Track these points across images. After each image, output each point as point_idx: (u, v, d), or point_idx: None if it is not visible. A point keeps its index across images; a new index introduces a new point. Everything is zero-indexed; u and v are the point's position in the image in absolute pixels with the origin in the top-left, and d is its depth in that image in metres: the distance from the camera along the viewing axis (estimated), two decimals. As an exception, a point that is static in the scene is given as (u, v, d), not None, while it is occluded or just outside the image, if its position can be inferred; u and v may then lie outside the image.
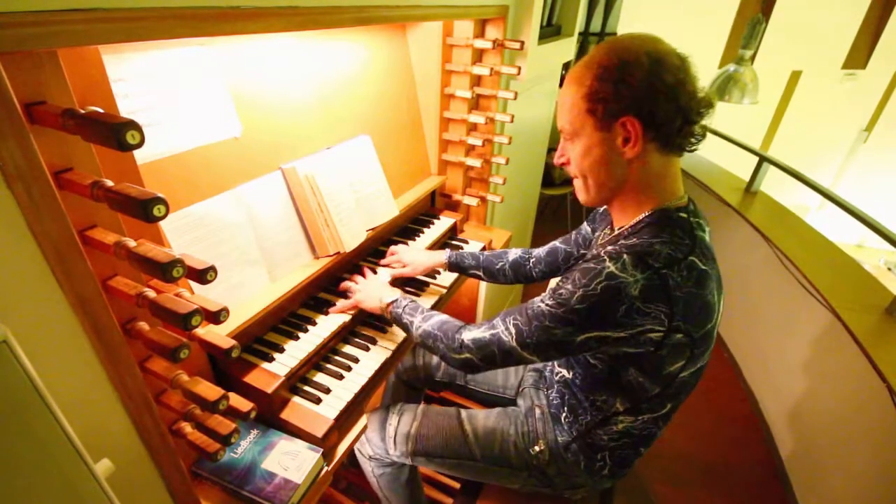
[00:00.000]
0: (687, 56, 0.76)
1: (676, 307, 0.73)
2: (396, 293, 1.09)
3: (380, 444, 1.18)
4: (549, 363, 1.14)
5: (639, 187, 0.81)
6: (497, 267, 1.28)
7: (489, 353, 0.87)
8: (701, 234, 0.80)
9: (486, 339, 0.87)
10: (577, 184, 0.88)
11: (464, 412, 1.15)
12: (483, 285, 1.95)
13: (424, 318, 0.99)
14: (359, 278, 1.21)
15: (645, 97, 0.73)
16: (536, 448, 1.04)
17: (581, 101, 0.78)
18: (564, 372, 1.01)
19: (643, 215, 0.81)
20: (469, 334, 0.90)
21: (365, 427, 1.06)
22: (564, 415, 1.01)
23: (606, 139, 0.78)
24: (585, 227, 1.19)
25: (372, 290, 1.12)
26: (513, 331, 0.84)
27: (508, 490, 1.14)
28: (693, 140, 0.78)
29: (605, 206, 1.05)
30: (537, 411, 1.07)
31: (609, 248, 0.78)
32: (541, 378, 1.17)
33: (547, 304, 0.80)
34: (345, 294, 1.18)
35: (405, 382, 1.44)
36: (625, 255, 0.74)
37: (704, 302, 0.77)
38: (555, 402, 1.04)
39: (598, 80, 0.75)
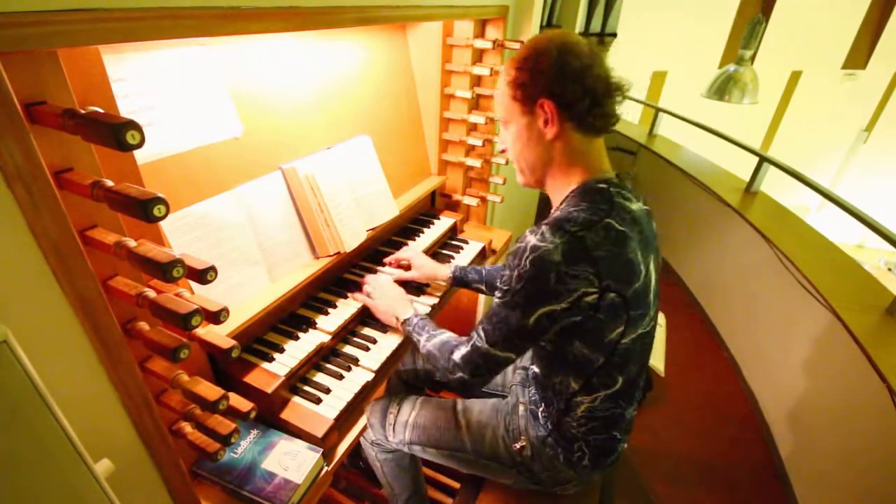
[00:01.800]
0: (596, 47, 0.86)
1: (602, 266, 0.79)
2: (410, 310, 1.14)
3: (380, 430, 1.22)
4: (530, 361, 1.15)
5: (564, 165, 0.89)
6: (498, 281, 1.29)
7: (474, 364, 0.93)
8: (621, 201, 0.87)
9: (468, 352, 0.93)
10: (515, 168, 0.97)
11: (460, 404, 1.17)
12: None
13: (429, 337, 1.05)
14: (375, 281, 1.23)
15: (554, 79, 0.82)
16: (517, 445, 1.06)
17: (507, 88, 0.88)
18: (533, 367, 1.05)
19: (569, 190, 0.89)
20: (458, 353, 0.96)
21: (365, 427, 1.06)
22: (541, 409, 1.03)
23: (530, 122, 0.88)
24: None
25: (389, 300, 1.18)
26: (483, 335, 0.90)
27: (508, 490, 1.14)
28: (607, 121, 0.86)
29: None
30: (521, 408, 1.09)
31: (533, 226, 0.85)
32: (526, 376, 1.18)
33: (497, 297, 0.87)
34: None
35: (405, 382, 1.45)
36: (543, 227, 0.81)
37: (627, 260, 0.83)
38: (533, 398, 1.07)
39: (517, 70, 0.86)
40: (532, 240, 0.81)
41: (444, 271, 1.32)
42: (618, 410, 0.97)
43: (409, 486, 1.34)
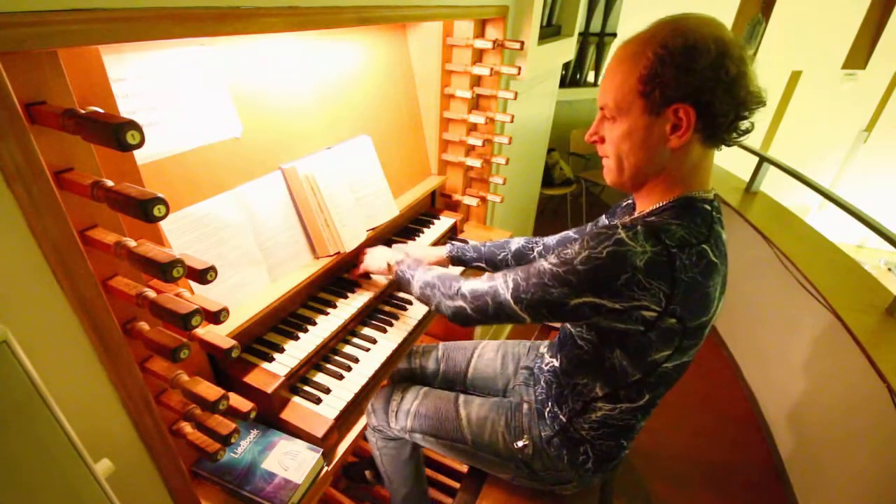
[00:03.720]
0: (747, 49, 0.71)
1: (677, 289, 0.72)
2: (403, 255, 1.13)
3: (383, 416, 1.22)
4: (539, 359, 1.15)
5: (672, 176, 0.79)
6: (500, 257, 1.29)
7: (482, 303, 0.87)
8: (719, 228, 0.79)
9: (482, 289, 0.88)
10: (608, 163, 0.84)
11: (462, 397, 1.18)
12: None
13: (425, 270, 1.02)
14: (367, 248, 1.25)
15: (707, 87, 0.69)
16: (520, 443, 1.05)
17: (635, 81, 0.73)
18: (554, 361, 1.03)
19: (666, 201, 0.80)
20: (468, 284, 0.91)
21: (366, 426, 1.06)
22: (549, 409, 1.02)
23: (653, 124, 0.74)
24: (604, 220, 1.19)
25: (380, 254, 1.18)
26: (510, 284, 0.84)
27: (509, 489, 1.14)
28: (737, 135, 0.76)
29: (627, 202, 1.04)
30: (525, 406, 1.09)
31: (626, 219, 0.77)
32: (531, 376, 1.18)
33: (550, 263, 0.79)
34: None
35: (405, 379, 1.45)
36: (639, 227, 0.73)
37: (705, 293, 0.75)
38: (540, 396, 1.06)
39: (660, 62, 0.70)
40: (622, 234, 0.72)
41: (439, 253, 1.32)
42: (633, 422, 0.95)
43: (408, 480, 1.34)
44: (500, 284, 0.86)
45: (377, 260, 1.16)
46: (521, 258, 1.29)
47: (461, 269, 1.38)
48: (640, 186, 0.84)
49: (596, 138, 0.84)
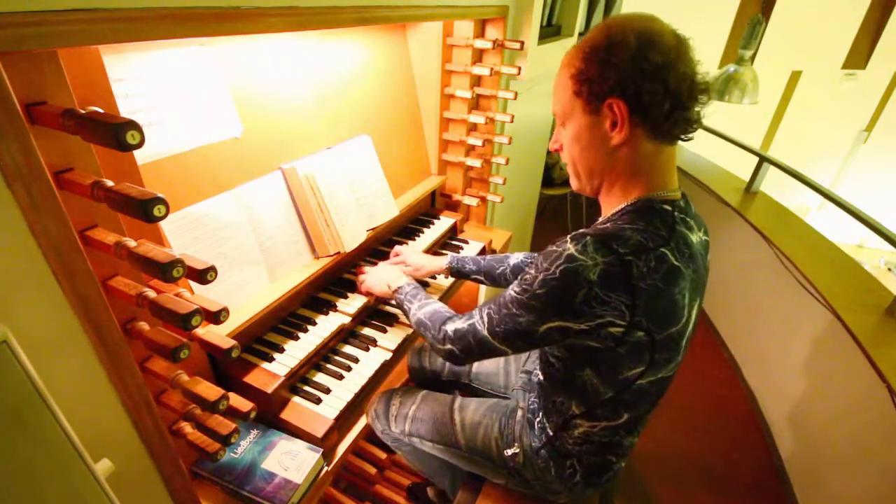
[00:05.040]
0: (686, 38, 0.72)
1: (639, 299, 0.69)
2: (403, 280, 1.12)
3: (384, 420, 1.22)
4: (535, 366, 1.14)
5: (626, 175, 0.78)
6: (498, 271, 1.28)
7: (466, 343, 0.87)
8: (683, 230, 0.76)
9: (464, 329, 0.88)
10: (569, 170, 0.86)
11: (457, 401, 1.17)
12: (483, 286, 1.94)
13: (420, 305, 1.01)
14: (368, 267, 1.25)
15: (630, 77, 0.69)
16: (510, 451, 1.04)
17: (569, 81, 0.76)
18: (540, 374, 1.01)
19: (625, 204, 0.78)
20: (452, 325, 0.91)
21: (365, 427, 1.06)
22: (539, 419, 1.00)
23: (594, 123, 0.75)
24: None
25: (381, 275, 1.17)
26: (485, 319, 0.83)
27: (507, 493, 1.14)
28: (687, 128, 0.74)
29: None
30: (519, 413, 1.07)
31: (579, 231, 0.76)
32: (528, 381, 1.17)
33: (514, 291, 0.78)
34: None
35: (418, 384, 1.45)
36: (588, 237, 0.71)
37: (671, 300, 0.72)
38: (532, 406, 1.04)
39: (585, 61, 0.73)
40: (571, 248, 0.71)
41: (439, 263, 1.30)
42: (616, 439, 0.92)
43: (443, 466, 1.31)
44: (478, 321, 0.85)
45: (379, 280, 1.16)
46: (520, 273, 1.28)
47: (453, 280, 1.37)
48: (599, 189, 0.83)
49: (557, 146, 0.85)
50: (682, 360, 0.83)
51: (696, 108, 0.73)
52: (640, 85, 0.69)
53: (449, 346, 0.90)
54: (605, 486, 1.04)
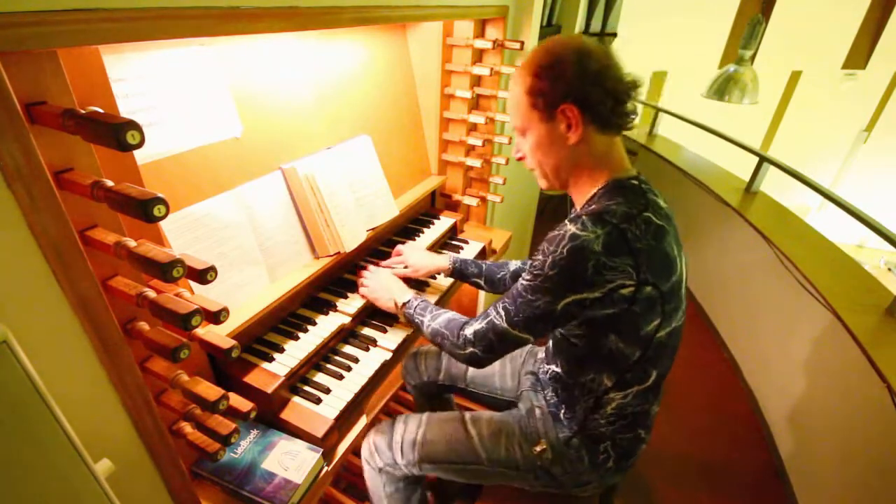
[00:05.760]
0: (609, 49, 0.87)
1: (640, 258, 0.79)
2: (409, 294, 1.13)
3: (387, 451, 1.16)
4: (541, 364, 1.14)
5: (589, 167, 0.90)
6: (498, 276, 1.29)
7: (487, 341, 0.92)
8: (653, 197, 0.87)
9: (483, 329, 0.93)
10: (536, 173, 0.96)
11: (468, 415, 1.14)
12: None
13: (433, 316, 1.04)
14: (368, 273, 1.23)
15: (576, 85, 0.82)
16: (538, 448, 1.04)
17: (524, 97, 0.87)
18: (553, 367, 1.03)
19: (597, 188, 0.89)
20: (470, 329, 0.95)
21: (366, 427, 1.05)
22: (563, 411, 1.02)
23: (552, 129, 0.87)
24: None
25: (385, 287, 1.17)
26: (502, 313, 0.90)
27: (507, 493, 1.13)
28: (627, 119, 0.87)
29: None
30: (537, 411, 1.08)
31: (571, 215, 0.86)
32: (537, 381, 1.17)
33: (525, 280, 0.86)
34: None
35: (414, 387, 1.45)
36: (583, 217, 0.81)
37: (665, 254, 0.84)
38: (552, 401, 1.05)
39: (535, 77, 0.85)
40: (571, 228, 0.81)
41: (442, 262, 1.30)
42: (646, 406, 0.98)
43: None
44: (494, 316, 0.91)
45: (384, 290, 1.16)
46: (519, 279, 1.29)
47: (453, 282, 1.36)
48: (567, 183, 0.94)
49: (521, 155, 0.96)
50: (685, 309, 0.94)
51: (632, 101, 0.87)
52: (586, 89, 0.82)
53: (470, 350, 0.95)
54: (629, 468, 1.07)
